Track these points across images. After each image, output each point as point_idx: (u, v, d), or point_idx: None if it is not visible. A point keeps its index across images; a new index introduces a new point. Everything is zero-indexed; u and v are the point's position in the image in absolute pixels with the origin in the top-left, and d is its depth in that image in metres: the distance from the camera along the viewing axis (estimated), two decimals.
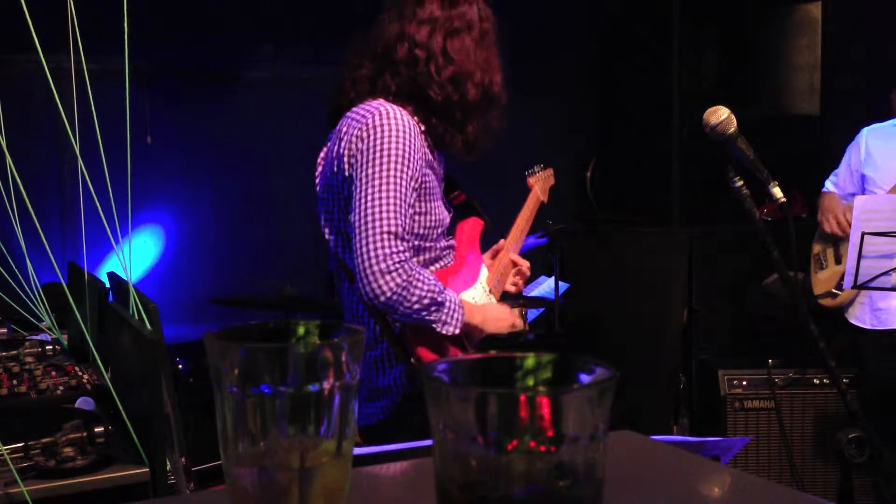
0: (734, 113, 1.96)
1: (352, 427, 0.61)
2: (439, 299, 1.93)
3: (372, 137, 1.91)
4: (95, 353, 1.78)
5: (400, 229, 1.86)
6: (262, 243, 4.42)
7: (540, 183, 2.72)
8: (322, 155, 2.11)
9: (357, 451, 0.66)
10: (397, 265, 1.84)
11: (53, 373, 2.01)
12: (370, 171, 1.89)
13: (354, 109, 2.00)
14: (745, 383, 3.55)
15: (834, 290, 3.40)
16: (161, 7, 4.15)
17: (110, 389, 1.70)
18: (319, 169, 2.10)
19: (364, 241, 1.85)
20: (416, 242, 2.01)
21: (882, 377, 3.27)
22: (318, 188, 2.09)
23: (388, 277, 1.84)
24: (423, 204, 1.99)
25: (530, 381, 0.56)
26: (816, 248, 3.55)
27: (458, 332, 1.98)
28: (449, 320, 1.96)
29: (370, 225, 1.85)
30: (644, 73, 5.04)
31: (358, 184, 1.91)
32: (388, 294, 1.84)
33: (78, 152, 1.66)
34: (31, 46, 1.57)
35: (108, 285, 2.13)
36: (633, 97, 5.16)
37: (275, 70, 4.66)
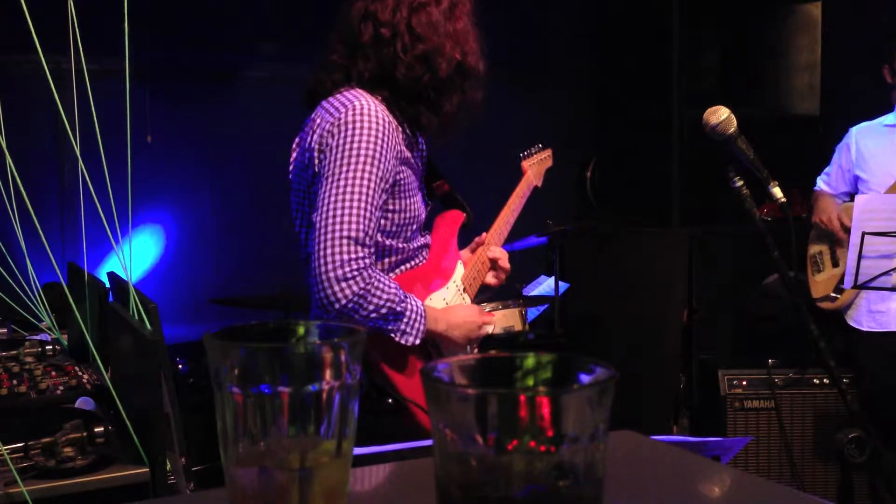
0: (734, 113, 1.96)
1: (352, 427, 0.61)
2: (398, 309, 1.85)
3: (343, 134, 1.83)
4: (95, 353, 1.78)
5: (362, 234, 1.79)
6: (262, 243, 4.41)
7: (535, 166, 2.58)
8: (297, 141, 2.04)
9: (357, 451, 0.66)
10: (355, 272, 1.77)
11: (53, 373, 2.01)
12: (337, 171, 1.81)
13: (330, 100, 1.92)
14: (745, 383, 3.55)
15: (832, 294, 3.39)
16: (161, 7, 4.15)
17: (110, 389, 1.70)
18: (293, 155, 2.03)
19: (323, 245, 1.78)
20: (389, 242, 1.95)
21: (880, 379, 3.27)
22: (290, 175, 2.02)
23: (343, 284, 1.76)
24: (397, 201, 1.92)
25: (530, 381, 0.56)
26: (812, 250, 3.54)
27: (418, 342, 1.90)
28: (409, 330, 1.88)
29: (330, 228, 1.78)
30: (644, 73, 5.04)
31: (324, 182, 1.83)
32: (344, 302, 1.77)
33: (78, 152, 1.66)
34: (31, 46, 1.57)
35: (108, 285, 2.13)
36: (633, 97, 5.16)
37: (275, 70, 4.65)
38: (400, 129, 1.93)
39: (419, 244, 2.06)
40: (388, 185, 1.87)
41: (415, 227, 2.02)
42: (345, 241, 1.77)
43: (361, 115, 1.84)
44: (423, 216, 2.06)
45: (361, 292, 1.78)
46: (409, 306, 1.88)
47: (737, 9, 4.85)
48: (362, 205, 1.80)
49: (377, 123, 1.84)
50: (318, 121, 1.92)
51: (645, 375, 4.08)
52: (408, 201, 1.95)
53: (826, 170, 3.55)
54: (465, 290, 2.21)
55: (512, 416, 0.49)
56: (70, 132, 1.68)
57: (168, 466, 1.50)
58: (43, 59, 1.59)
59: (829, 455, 3.43)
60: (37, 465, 1.47)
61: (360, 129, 1.83)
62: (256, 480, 0.59)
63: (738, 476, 0.90)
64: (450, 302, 2.13)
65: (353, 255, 1.77)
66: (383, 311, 1.82)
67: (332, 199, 1.80)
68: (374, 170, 1.82)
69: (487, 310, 2.88)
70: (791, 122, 4.74)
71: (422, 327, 1.90)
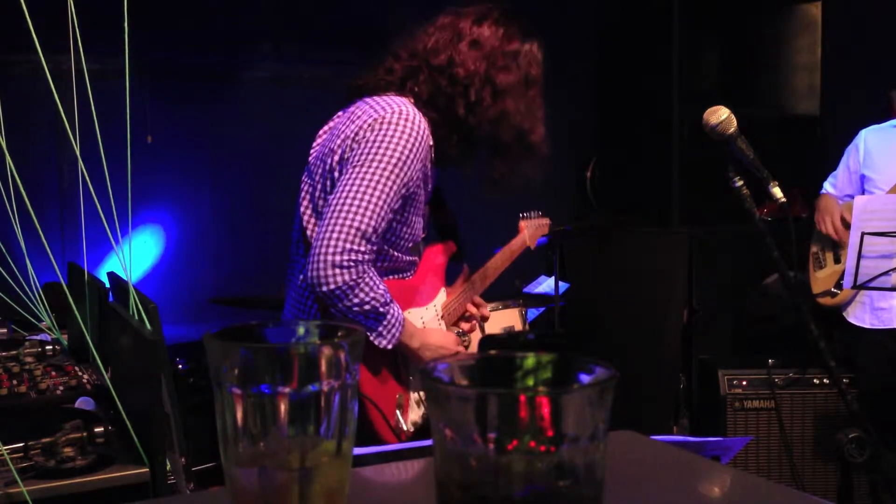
0: (734, 113, 1.96)
1: (352, 427, 0.61)
2: (382, 310, 1.88)
3: (382, 132, 1.87)
4: (95, 353, 1.78)
5: (370, 230, 1.81)
6: (262, 243, 4.41)
7: (531, 229, 2.71)
8: (326, 128, 2.07)
9: (357, 451, 0.66)
10: (352, 263, 1.80)
11: (53, 373, 2.01)
12: (367, 163, 1.84)
13: (375, 98, 1.96)
14: (745, 383, 3.55)
15: (833, 290, 3.40)
16: (161, 7, 4.15)
17: (110, 389, 1.70)
18: (319, 140, 2.06)
19: (331, 227, 1.81)
20: (385, 247, 1.97)
21: (882, 377, 3.27)
22: (310, 157, 2.04)
23: (338, 270, 1.79)
24: (405, 214, 1.95)
25: (530, 381, 0.56)
26: (815, 247, 3.55)
27: (390, 346, 1.93)
28: (385, 333, 1.91)
29: (344, 214, 1.81)
30: (644, 73, 5.04)
31: (350, 169, 1.86)
32: (332, 286, 1.80)
33: (78, 152, 1.66)
34: (31, 46, 1.57)
35: (108, 285, 2.13)
36: (633, 97, 5.16)
37: (275, 70, 4.66)
38: (430, 150, 1.97)
39: (410, 259, 2.08)
40: (407, 193, 1.90)
41: (411, 243, 2.04)
42: (353, 230, 1.80)
43: (406, 120, 1.88)
44: (420, 237, 2.09)
45: (352, 283, 1.81)
46: (391, 311, 1.91)
47: (737, 9, 4.85)
48: (379, 202, 1.83)
49: (417, 133, 1.89)
50: (359, 113, 1.94)
51: (645, 375, 4.07)
52: (413, 218, 1.99)
53: (833, 173, 3.57)
54: (442, 316, 2.23)
55: (512, 416, 0.49)
56: (70, 132, 1.68)
57: (168, 466, 1.50)
58: (43, 59, 1.59)
59: (829, 455, 3.43)
60: (37, 465, 1.47)
61: (400, 131, 1.87)
62: (256, 480, 0.59)
63: (738, 476, 0.90)
64: (427, 324, 2.14)
65: (355, 247, 1.80)
66: (366, 307, 1.85)
67: (354, 187, 1.83)
68: (401, 173, 1.86)
69: (488, 309, 2.89)
70: (791, 122, 4.75)
71: (398, 334, 1.93)
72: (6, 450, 1.45)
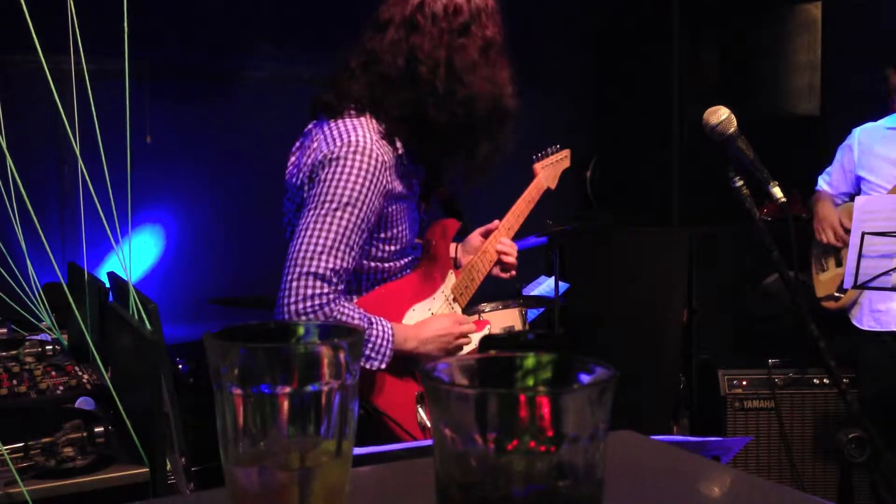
0: (734, 113, 1.96)
1: (352, 427, 0.61)
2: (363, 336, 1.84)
3: (332, 169, 1.82)
4: (95, 353, 1.78)
5: (329, 272, 1.79)
6: (262, 243, 4.40)
7: (549, 168, 2.54)
8: (297, 145, 2.03)
9: (357, 451, 0.66)
10: (316, 307, 1.78)
11: (53, 373, 2.01)
12: (319, 206, 1.81)
13: (331, 125, 1.90)
14: (745, 383, 3.55)
15: (836, 294, 3.39)
16: (161, 7, 4.15)
17: (110, 389, 1.70)
18: (292, 160, 2.02)
19: (289, 275, 1.79)
20: (373, 265, 1.96)
21: (882, 379, 3.27)
22: (286, 179, 2.01)
23: (303, 318, 1.77)
24: (385, 231, 1.93)
25: (530, 381, 0.56)
26: (817, 250, 3.54)
27: (383, 366, 1.90)
28: (374, 355, 1.88)
29: (298, 262, 1.79)
30: (644, 73, 5.04)
31: (305, 212, 1.84)
32: None
33: (78, 152, 1.66)
34: (31, 46, 1.57)
35: (108, 285, 2.13)
36: (633, 97, 5.16)
37: (275, 70, 4.66)
38: (396, 162, 1.91)
39: (406, 261, 2.06)
40: (369, 225, 1.87)
41: (405, 249, 2.03)
42: (309, 277, 1.78)
43: (355, 153, 1.82)
44: (414, 237, 2.06)
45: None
46: (374, 332, 1.88)
47: (737, 9, 4.85)
48: (334, 244, 1.80)
49: (368, 164, 1.83)
50: (315, 145, 1.90)
51: (645, 375, 4.08)
52: (397, 229, 1.95)
53: (827, 169, 3.55)
54: (454, 299, 2.20)
55: (512, 416, 0.49)
56: (70, 132, 1.68)
57: (168, 466, 1.50)
58: (43, 59, 1.59)
59: (829, 455, 3.43)
60: (37, 465, 1.47)
61: (349, 168, 1.82)
62: (256, 480, 0.59)
63: (738, 476, 0.90)
64: (436, 312, 2.12)
65: (315, 291, 1.79)
66: None
67: (307, 233, 1.81)
68: (356, 210, 1.82)
69: (488, 309, 2.88)
70: (791, 122, 4.75)
71: (388, 352, 1.90)
72: (6, 450, 1.45)
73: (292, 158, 2.03)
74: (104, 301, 2.02)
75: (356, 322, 1.85)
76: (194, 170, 4.52)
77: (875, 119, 3.42)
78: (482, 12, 1.95)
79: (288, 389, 0.58)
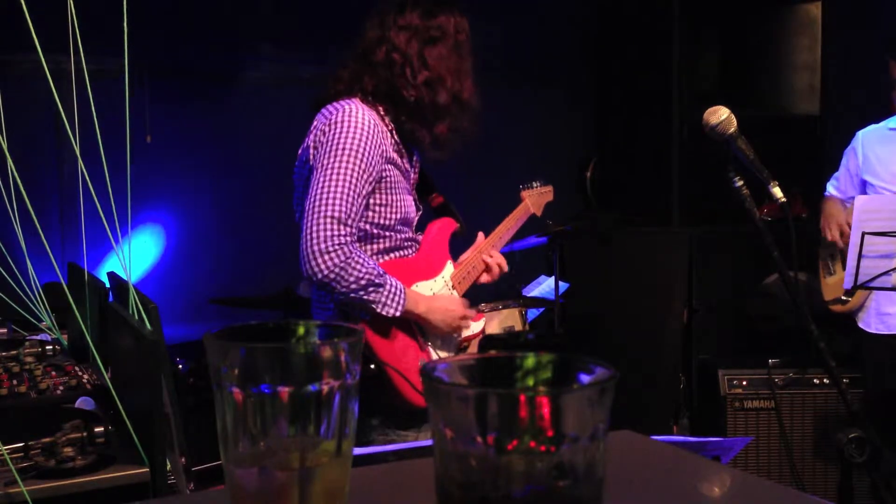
0: (734, 113, 1.95)
1: (352, 427, 0.61)
2: (378, 281, 2.04)
3: (332, 132, 2.07)
4: (95, 353, 1.78)
5: (344, 215, 2.00)
6: (261, 243, 4.41)
7: (534, 198, 2.77)
8: (302, 147, 2.24)
9: (357, 451, 0.66)
10: (336, 247, 1.97)
11: (53, 373, 2.01)
12: (326, 161, 2.04)
13: (327, 106, 2.17)
14: (745, 383, 3.55)
15: (844, 297, 3.37)
16: (161, 7, 4.15)
17: (110, 389, 1.70)
18: (300, 151, 2.23)
19: (309, 223, 1.99)
20: (375, 230, 2.15)
21: (886, 382, 3.26)
22: (293, 175, 2.23)
23: (326, 257, 1.97)
24: (383, 195, 2.13)
25: (530, 381, 0.56)
26: (824, 253, 3.52)
27: (398, 313, 2.08)
28: (389, 302, 2.06)
29: (317, 209, 1.99)
30: (644, 74, 5.04)
31: (315, 172, 2.06)
32: (325, 272, 1.97)
33: (78, 152, 1.66)
34: (31, 46, 1.57)
35: (108, 285, 2.13)
36: (632, 97, 5.16)
37: (275, 70, 4.65)
38: (389, 134, 2.18)
39: (407, 236, 2.24)
40: (371, 178, 2.08)
41: (402, 221, 2.20)
42: (329, 219, 1.99)
43: (349, 115, 2.09)
44: (413, 216, 2.26)
45: (342, 264, 1.98)
46: (388, 281, 2.08)
47: (737, 9, 4.85)
48: (346, 190, 2.01)
49: (362, 124, 2.08)
50: (315, 123, 2.17)
51: (645, 375, 4.08)
52: (394, 197, 2.16)
53: (835, 174, 3.53)
54: (453, 286, 2.35)
55: (512, 416, 0.49)
56: (70, 132, 1.68)
57: (168, 466, 1.50)
58: (43, 59, 1.59)
59: (829, 455, 3.43)
60: (37, 465, 1.47)
61: (347, 126, 2.07)
62: (256, 480, 0.59)
63: (738, 476, 0.90)
64: (436, 293, 2.27)
65: (335, 232, 1.98)
66: (363, 282, 2.02)
67: (320, 184, 2.03)
68: (359, 161, 2.05)
69: (487, 310, 2.94)
70: (791, 122, 4.74)
71: (402, 301, 2.09)
72: (6, 450, 1.45)
73: (300, 151, 2.22)
74: (104, 301, 2.02)
75: (371, 266, 2.03)
76: (194, 170, 4.52)
77: (876, 120, 3.42)
78: (456, 21, 2.26)
79: (288, 389, 0.58)
